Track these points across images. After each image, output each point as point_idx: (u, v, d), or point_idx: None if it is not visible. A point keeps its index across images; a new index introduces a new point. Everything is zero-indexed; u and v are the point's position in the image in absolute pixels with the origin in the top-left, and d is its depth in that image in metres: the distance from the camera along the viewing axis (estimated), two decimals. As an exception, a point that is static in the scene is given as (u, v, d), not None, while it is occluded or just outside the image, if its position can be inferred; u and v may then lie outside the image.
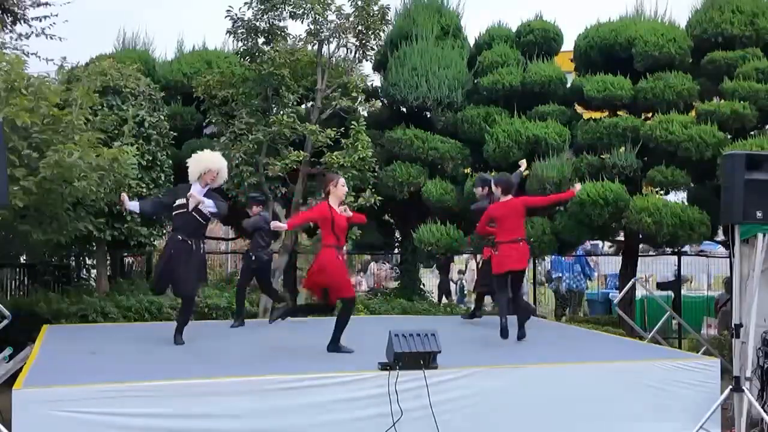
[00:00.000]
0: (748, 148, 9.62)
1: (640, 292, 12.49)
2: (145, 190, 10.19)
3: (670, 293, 13.93)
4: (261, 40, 11.58)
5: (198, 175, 7.70)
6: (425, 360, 6.23)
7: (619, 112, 11.72)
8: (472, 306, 10.80)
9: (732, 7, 11.35)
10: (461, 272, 19.07)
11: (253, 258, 9.20)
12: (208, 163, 7.75)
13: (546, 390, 6.59)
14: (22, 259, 12.44)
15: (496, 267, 8.04)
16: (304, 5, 11.33)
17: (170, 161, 10.94)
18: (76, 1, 12.00)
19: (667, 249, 13.27)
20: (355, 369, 6.32)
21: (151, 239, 11.01)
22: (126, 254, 13.27)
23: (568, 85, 12.17)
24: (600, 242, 17.52)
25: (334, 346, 7.22)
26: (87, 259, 12.75)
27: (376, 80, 13.14)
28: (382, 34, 12.12)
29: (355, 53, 12.12)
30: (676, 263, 13.64)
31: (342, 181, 7.26)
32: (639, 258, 12.68)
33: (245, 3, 11.34)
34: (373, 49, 12.23)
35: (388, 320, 9.92)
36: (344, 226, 7.18)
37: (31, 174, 7.77)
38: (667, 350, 8.49)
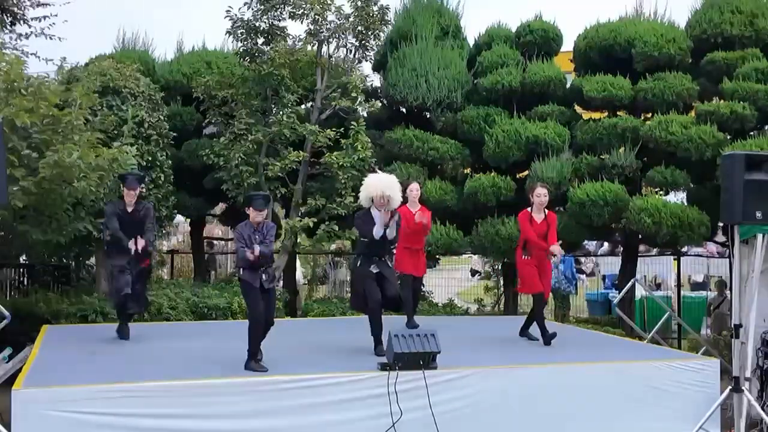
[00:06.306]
0: (748, 149, 9.63)
1: (639, 292, 12.48)
2: (144, 190, 10.18)
3: (670, 293, 13.91)
4: (261, 40, 11.58)
5: (368, 201, 7.34)
6: (425, 360, 6.24)
7: (618, 113, 11.73)
8: None
9: (731, 8, 11.36)
10: None
11: None
12: (369, 189, 7.36)
13: (546, 390, 6.59)
14: (22, 259, 12.42)
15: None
16: (303, 5, 11.33)
17: (170, 161, 10.92)
18: (76, 1, 11.99)
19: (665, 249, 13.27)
20: (355, 369, 6.33)
21: (150, 240, 10.97)
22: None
23: (568, 86, 12.16)
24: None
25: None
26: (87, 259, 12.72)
27: (375, 80, 13.17)
28: (381, 34, 12.13)
29: (355, 53, 12.13)
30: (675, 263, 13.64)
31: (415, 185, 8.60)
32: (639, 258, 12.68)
33: (245, 3, 11.36)
34: (372, 49, 12.23)
35: (387, 320, 9.87)
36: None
37: (31, 174, 7.76)
38: (666, 350, 8.49)
